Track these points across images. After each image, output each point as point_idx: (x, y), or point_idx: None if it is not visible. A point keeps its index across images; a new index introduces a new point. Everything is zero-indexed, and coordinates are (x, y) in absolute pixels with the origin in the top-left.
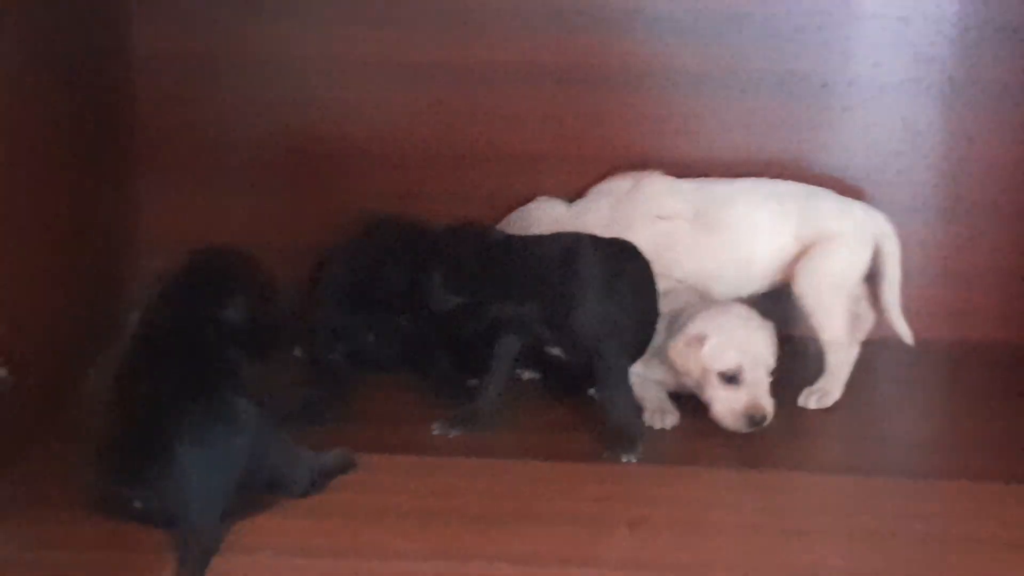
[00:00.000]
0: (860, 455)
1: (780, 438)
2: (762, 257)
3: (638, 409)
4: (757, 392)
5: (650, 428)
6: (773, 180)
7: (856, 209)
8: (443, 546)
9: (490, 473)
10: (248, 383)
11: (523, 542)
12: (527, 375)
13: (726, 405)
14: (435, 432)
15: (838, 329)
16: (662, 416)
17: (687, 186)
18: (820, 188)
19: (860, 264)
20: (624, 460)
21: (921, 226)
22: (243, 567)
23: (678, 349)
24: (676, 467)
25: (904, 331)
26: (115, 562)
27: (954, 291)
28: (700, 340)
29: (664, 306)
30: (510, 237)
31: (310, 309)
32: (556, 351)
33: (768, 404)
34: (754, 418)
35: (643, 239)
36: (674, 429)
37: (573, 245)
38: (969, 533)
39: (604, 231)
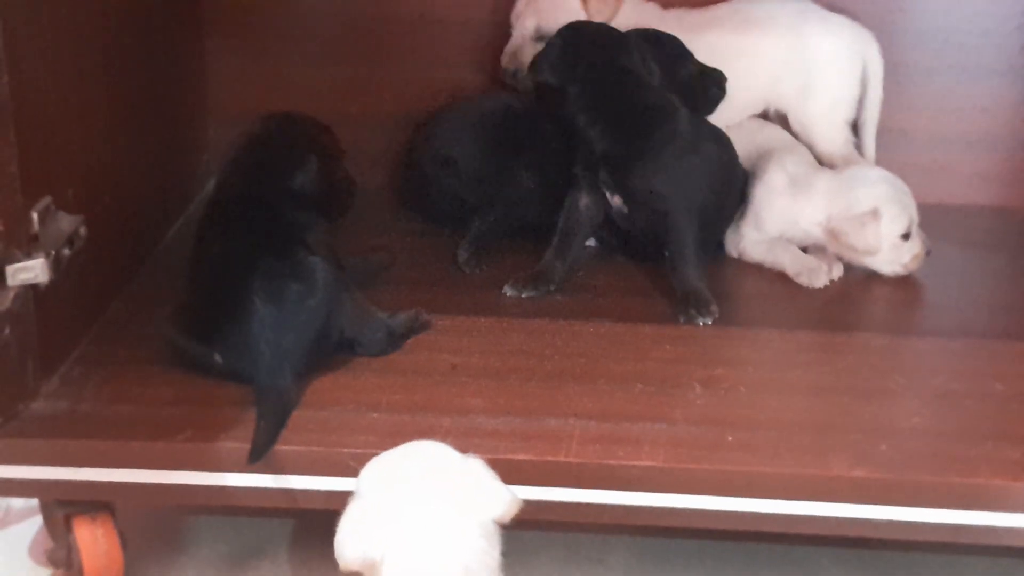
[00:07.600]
0: (938, 318)
1: (856, 302)
2: (744, 85)
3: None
4: (920, 233)
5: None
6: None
7: (843, 27)
8: (516, 403)
9: (563, 334)
10: (321, 244)
11: (596, 400)
12: (590, 242)
13: (907, 257)
14: (507, 294)
15: (841, 149)
16: (811, 274)
17: (670, 16)
18: (805, 4)
19: (852, 83)
20: (701, 323)
21: (1007, 90)
22: (318, 421)
23: (856, 231)
24: (750, 329)
25: (870, 152)
26: (192, 417)
27: None
28: (875, 215)
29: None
30: (632, 69)
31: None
32: (617, 201)
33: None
34: (928, 253)
35: None
36: (748, 293)
37: (661, 103)
38: None
39: None
